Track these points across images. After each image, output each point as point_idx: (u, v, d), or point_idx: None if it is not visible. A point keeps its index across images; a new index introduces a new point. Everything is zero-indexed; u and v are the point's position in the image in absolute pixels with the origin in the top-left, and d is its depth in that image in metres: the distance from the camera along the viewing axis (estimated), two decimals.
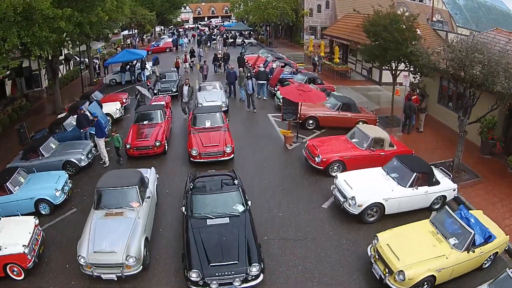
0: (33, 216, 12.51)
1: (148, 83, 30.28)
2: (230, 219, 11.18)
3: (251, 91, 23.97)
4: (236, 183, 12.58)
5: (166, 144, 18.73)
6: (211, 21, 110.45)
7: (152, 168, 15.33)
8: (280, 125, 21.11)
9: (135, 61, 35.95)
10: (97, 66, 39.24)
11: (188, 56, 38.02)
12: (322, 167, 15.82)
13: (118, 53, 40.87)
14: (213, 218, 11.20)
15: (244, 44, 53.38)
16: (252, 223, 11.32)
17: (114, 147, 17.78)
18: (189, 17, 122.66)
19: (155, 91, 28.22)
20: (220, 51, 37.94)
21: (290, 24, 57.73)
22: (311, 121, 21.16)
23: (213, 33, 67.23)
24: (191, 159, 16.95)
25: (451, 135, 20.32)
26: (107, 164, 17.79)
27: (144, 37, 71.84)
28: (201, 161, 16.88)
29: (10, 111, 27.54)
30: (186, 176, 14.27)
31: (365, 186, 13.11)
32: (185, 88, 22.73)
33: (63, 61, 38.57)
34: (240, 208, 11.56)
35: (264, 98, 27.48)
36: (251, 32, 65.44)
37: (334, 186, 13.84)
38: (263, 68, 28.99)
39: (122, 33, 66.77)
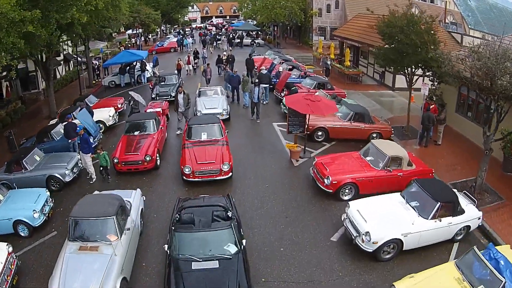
0: (6, 243, 11.04)
1: (150, 85, 28.67)
2: (220, 263, 9.35)
3: (257, 99, 21.81)
4: (230, 215, 10.78)
5: (158, 158, 17.03)
6: (212, 21, 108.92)
7: (138, 190, 13.63)
8: (286, 136, 19.18)
9: (134, 63, 34.23)
10: (96, 67, 37.49)
11: (191, 58, 36.17)
12: (331, 190, 13.94)
13: (117, 54, 39.16)
14: (199, 261, 9.39)
15: (254, 45, 51.49)
16: (246, 267, 9.48)
17: (100, 166, 15.91)
18: (196, 16, 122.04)
19: (153, 95, 26.54)
20: (225, 53, 35.93)
21: (298, 24, 55.62)
22: (320, 133, 19.26)
23: (218, 33, 65.41)
24: (184, 177, 15.16)
25: (471, 148, 18.50)
26: (93, 180, 16.15)
27: (150, 36, 70.28)
28: (195, 180, 15.06)
29: (4, 115, 26.17)
30: (176, 200, 12.53)
31: (381, 219, 11.24)
32: (180, 97, 20.30)
33: (61, 62, 37.02)
34: (233, 249, 9.71)
35: (265, 102, 25.73)
36: (259, 32, 63.42)
37: (346, 217, 11.98)
38: (266, 71, 27.04)
39: (127, 32, 65.26)
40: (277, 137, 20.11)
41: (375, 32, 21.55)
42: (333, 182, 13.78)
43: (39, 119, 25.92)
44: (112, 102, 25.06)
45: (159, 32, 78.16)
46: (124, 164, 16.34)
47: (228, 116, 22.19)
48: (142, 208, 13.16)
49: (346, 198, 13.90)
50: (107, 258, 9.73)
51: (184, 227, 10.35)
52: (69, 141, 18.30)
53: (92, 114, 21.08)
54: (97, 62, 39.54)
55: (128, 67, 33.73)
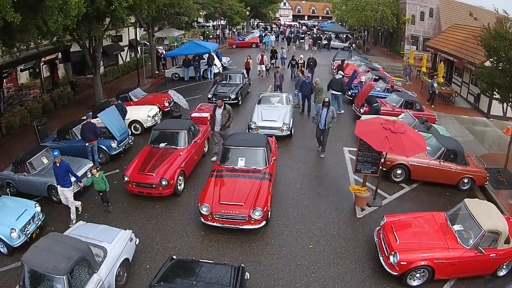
0: None
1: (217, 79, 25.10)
2: None
3: (323, 125, 15.94)
4: None
5: (181, 182, 13.26)
6: (279, 19, 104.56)
7: (127, 232, 9.91)
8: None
9: (205, 55, 30.67)
10: (162, 56, 34.44)
11: (265, 57, 31.17)
12: (396, 273, 9.28)
13: (182, 45, 35.96)
14: None
15: (351, 48, 46.31)
16: None
17: (97, 190, 12.25)
18: (288, 14, 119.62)
19: (209, 95, 22.78)
20: (301, 56, 30.93)
21: (390, 30, 49.55)
22: (399, 171, 14.44)
23: (300, 31, 60.57)
24: (202, 218, 11.10)
25: None
26: (73, 220, 11.90)
27: (234, 29, 67.31)
28: (214, 224, 10.94)
29: (48, 99, 23.81)
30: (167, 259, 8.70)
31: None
32: (218, 112, 15.46)
33: (124, 48, 34.54)
34: None
35: (340, 112, 21.58)
36: (349, 36, 57.89)
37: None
38: (340, 76, 22.38)
39: (212, 23, 62.68)
40: (345, 169, 15.38)
41: (475, 46, 17.56)
42: (401, 263, 9.06)
43: (83, 109, 23.15)
44: (159, 98, 21.60)
45: (245, 26, 75.23)
46: (136, 186, 12.69)
47: (289, 132, 17.80)
48: (128, 258, 9.55)
49: (414, 283, 9.37)
50: None
51: None
52: (87, 144, 15.15)
53: (125, 112, 17.75)
54: (163, 51, 36.57)
55: (193, 60, 30.30)
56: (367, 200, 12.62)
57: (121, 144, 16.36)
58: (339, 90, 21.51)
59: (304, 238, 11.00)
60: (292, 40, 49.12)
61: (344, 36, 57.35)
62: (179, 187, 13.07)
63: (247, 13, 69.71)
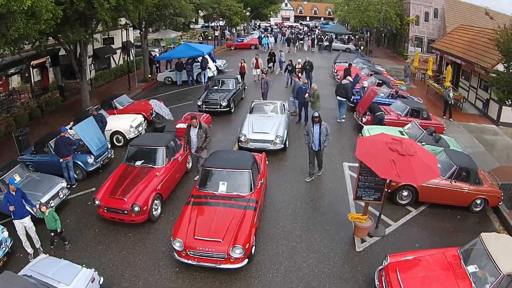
0: None
1: (208, 84, 23.71)
2: None
3: (318, 146, 13.74)
4: None
5: (157, 206, 11.78)
6: (283, 22, 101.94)
7: (89, 271, 8.56)
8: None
9: (198, 58, 29.11)
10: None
11: (260, 60, 29.04)
12: None
13: (175, 47, 34.39)
14: None
15: (360, 50, 44.63)
16: None
17: (49, 229, 10.51)
18: (289, 15, 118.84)
19: (198, 103, 21.27)
20: (299, 60, 28.76)
21: (394, 31, 47.74)
22: (405, 193, 12.88)
23: (299, 32, 58.73)
24: (175, 254, 9.58)
25: None
26: (30, 256, 10.40)
27: (234, 30, 65.70)
28: (188, 262, 9.40)
29: (35, 106, 22.58)
30: None
31: None
32: (193, 133, 13.48)
33: (116, 50, 33.04)
34: None
35: (340, 120, 20.43)
36: (351, 37, 56.11)
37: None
38: (347, 81, 21.07)
39: (211, 24, 61.03)
40: (344, 190, 13.75)
41: (484, 48, 17.04)
42: None
43: (70, 115, 21.67)
44: (146, 106, 20.04)
45: (246, 27, 73.66)
46: (107, 211, 11.20)
47: (283, 145, 16.17)
48: None
49: None
50: None
51: None
52: (61, 160, 13.71)
53: (104, 123, 16.31)
54: (156, 54, 35.04)
55: (186, 63, 28.78)
56: (368, 230, 11.07)
57: (99, 159, 14.92)
58: (343, 96, 20.09)
59: (293, 279, 9.41)
60: (292, 41, 47.54)
61: (346, 37, 55.66)
62: (154, 212, 11.55)
63: (248, 13, 68.17)
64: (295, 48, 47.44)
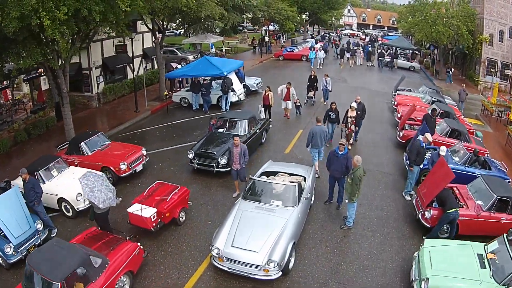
0: None
1: (213, 123, 17.62)
2: None
3: None
4: None
5: None
6: (338, 30, 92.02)
7: None
8: None
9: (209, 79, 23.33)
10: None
11: (291, 89, 20.96)
12: None
13: (191, 62, 28.75)
14: None
15: (450, 73, 37.48)
16: None
17: None
18: (352, 21, 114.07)
19: (190, 155, 15.28)
20: (353, 104, 17.57)
21: (465, 51, 39.60)
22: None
23: (348, 43, 48.30)
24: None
25: None
26: None
27: (283, 38, 59.23)
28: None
29: (21, 128, 19.23)
30: None
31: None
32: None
33: (133, 59, 28.09)
34: None
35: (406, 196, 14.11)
36: (416, 53, 47.91)
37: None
38: (424, 141, 13.66)
39: (264, 28, 55.14)
40: None
41: None
42: None
43: (56, 143, 17.40)
44: (120, 155, 14.76)
45: (304, 33, 67.47)
46: None
47: (280, 273, 9.38)
48: None
49: None
50: None
51: None
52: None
53: (37, 194, 11.28)
54: (177, 66, 29.26)
55: (202, 85, 22.71)
56: None
57: (23, 248, 10.26)
58: (414, 161, 13.53)
59: None
60: (346, 52, 41.16)
61: (410, 52, 47.68)
62: None
63: (306, 18, 62.00)
64: (341, 64, 40.59)
